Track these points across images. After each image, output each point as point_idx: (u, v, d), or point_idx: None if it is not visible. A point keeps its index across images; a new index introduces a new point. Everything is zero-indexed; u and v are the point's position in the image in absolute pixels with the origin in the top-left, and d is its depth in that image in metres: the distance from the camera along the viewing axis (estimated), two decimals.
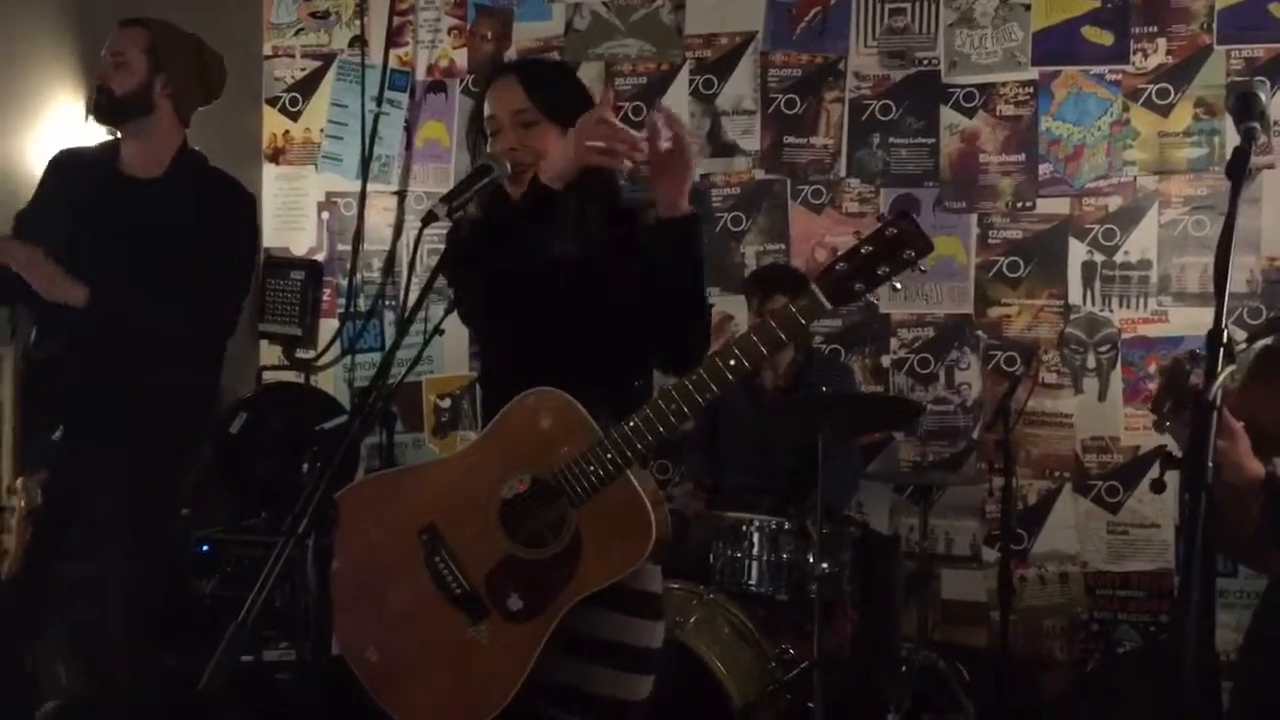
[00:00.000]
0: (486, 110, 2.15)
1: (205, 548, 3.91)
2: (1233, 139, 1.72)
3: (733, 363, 1.88)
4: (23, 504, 2.90)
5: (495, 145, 2.12)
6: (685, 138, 2.05)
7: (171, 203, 2.83)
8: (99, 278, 2.71)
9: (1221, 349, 1.55)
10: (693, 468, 4.20)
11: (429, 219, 1.95)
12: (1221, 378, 1.53)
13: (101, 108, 2.86)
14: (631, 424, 1.91)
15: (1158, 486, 2.13)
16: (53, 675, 3.35)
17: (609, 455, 1.91)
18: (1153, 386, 4.24)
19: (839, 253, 1.87)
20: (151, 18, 2.97)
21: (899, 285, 1.85)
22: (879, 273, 1.82)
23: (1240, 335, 3.99)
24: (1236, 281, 4.02)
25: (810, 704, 3.24)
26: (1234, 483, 1.83)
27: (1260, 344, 2.40)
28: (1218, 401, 1.52)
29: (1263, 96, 1.76)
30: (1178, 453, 2.37)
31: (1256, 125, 1.73)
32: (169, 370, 2.83)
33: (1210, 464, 1.49)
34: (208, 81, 3.00)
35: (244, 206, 3.00)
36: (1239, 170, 1.69)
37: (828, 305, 1.85)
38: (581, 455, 1.92)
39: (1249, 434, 1.99)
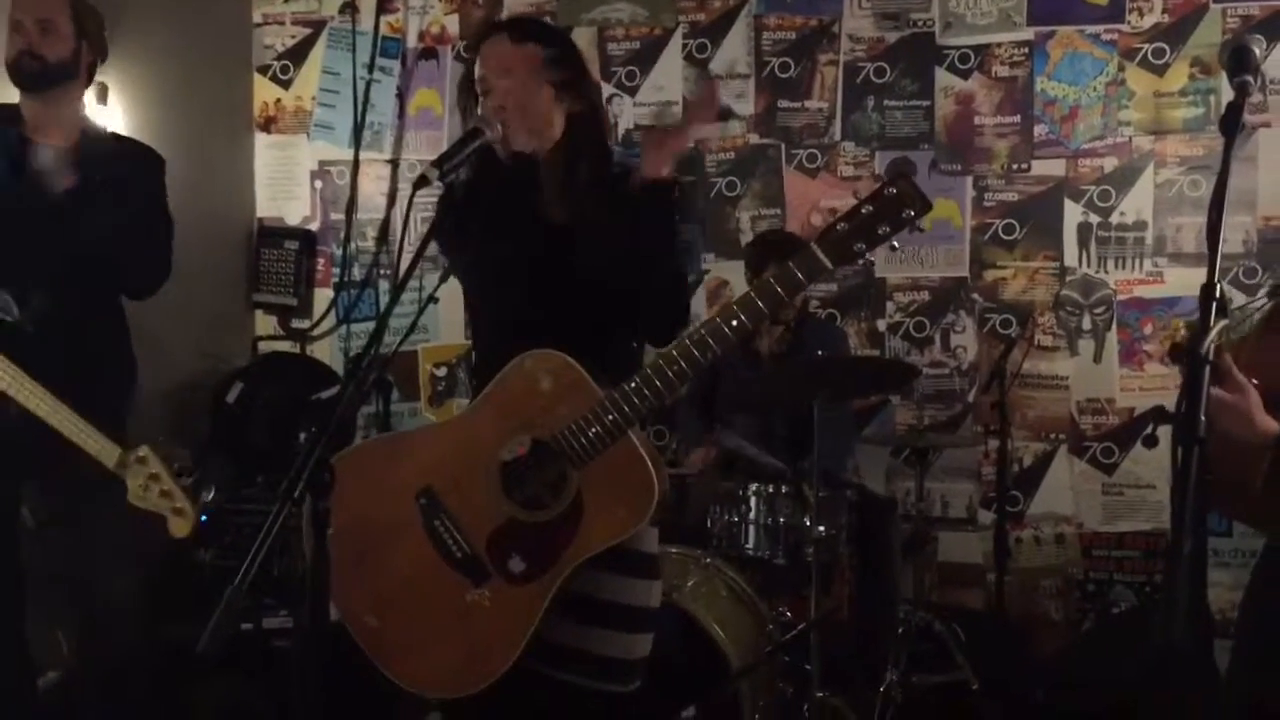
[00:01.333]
0: (477, 71, 2.14)
1: (203, 517, 3.91)
2: (1229, 98, 1.72)
3: (735, 322, 1.88)
4: None
5: (486, 105, 2.12)
6: (714, 116, 2.09)
7: (95, 164, 2.82)
8: (37, 243, 2.70)
9: (1214, 304, 1.56)
10: (687, 432, 4.21)
11: (421, 183, 1.95)
12: (1214, 332, 1.53)
13: (33, 73, 2.80)
14: (633, 384, 1.91)
15: (1150, 441, 2.13)
16: (53, 645, 3.37)
17: (610, 416, 1.91)
18: (1148, 349, 4.25)
19: (838, 213, 1.88)
20: None
21: (897, 245, 1.86)
22: (879, 232, 1.83)
23: (1236, 294, 4.00)
24: (1232, 241, 4.02)
25: (808, 665, 3.26)
26: (1244, 437, 1.83)
27: (1272, 300, 2.39)
28: (1210, 356, 1.52)
29: (1257, 51, 1.75)
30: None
31: (1250, 79, 1.72)
32: (106, 337, 2.87)
33: (1203, 418, 1.50)
34: (105, 43, 2.98)
35: (160, 161, 2.99)
36: (1232, 125, 1.67)
37: (829, 265, 1.85)
38: (582, 416, 1.92)
39: (1260, 391, 2.00)
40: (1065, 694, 3.71)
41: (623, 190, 2.17)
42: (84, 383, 2.64)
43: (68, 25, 2.82)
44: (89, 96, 3.92)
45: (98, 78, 3.99)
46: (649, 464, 1.92)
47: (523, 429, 1.97)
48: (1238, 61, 1.75)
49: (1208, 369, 1.52)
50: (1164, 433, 2.07)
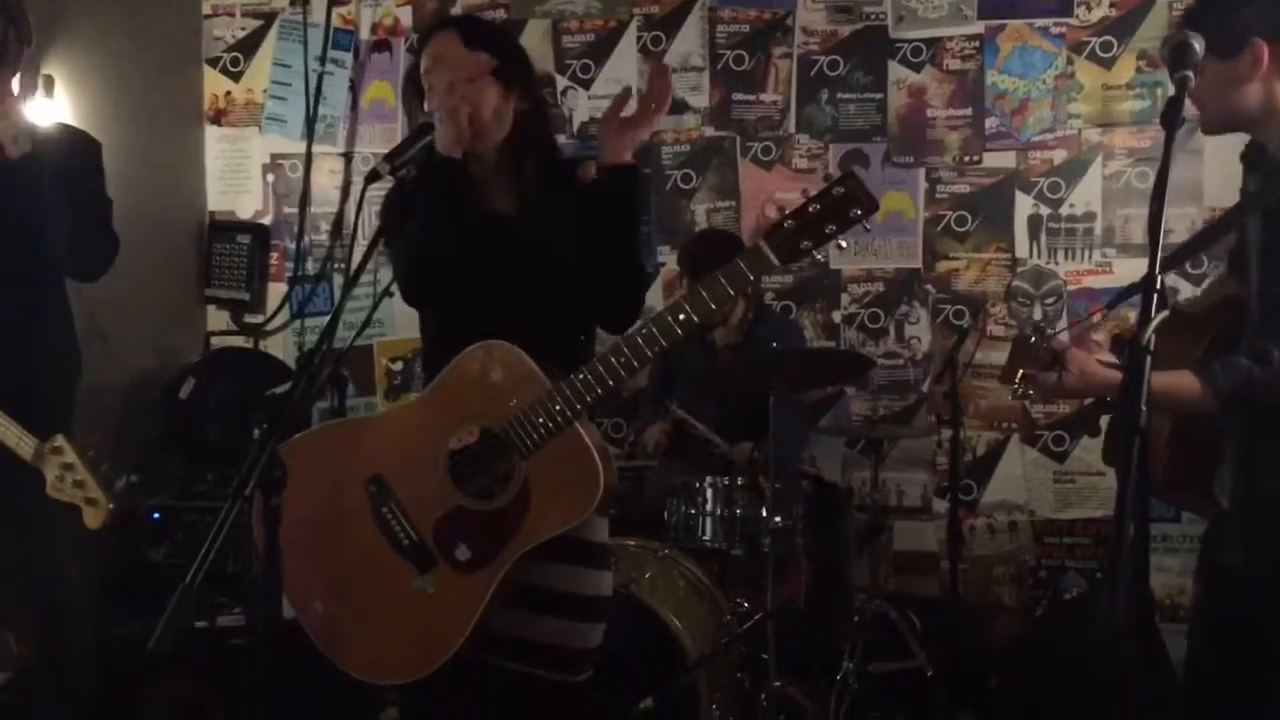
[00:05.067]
0: (424, 66, 2.14)
1: (156, 515, 3.88)
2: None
3: (682, 317, 1.90)
4: None
5: (433, 102, 2.11)
6: (665, 101, 2.10)
7: (34, 150, 2.78)
8: None
9: (1155, 295, 1.59)
10: (645, 420, 4.22)
11: (372, 177, 1.95)
12: (1154, 322, 1.56)
13: None
14: (581, 376, 1.92)
15: (1092, 431, 2.17)
16: (3, 646, 3.32)
17: (558, 407, 1.92)
18: (1098, 338, 4.30)
19: (786, 211, 1.89)
20: None
21: (844, 244, 1.88)
22: (826, 231, 1.85)
23: (1183, 285, 4.06)
24: (1178, 232, 4.08)
25: (765, 655, 3.28)
26: (1082, 389, 1.97)
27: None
28: (1151, 346, 1.55)
29: (1197, 46, 1.78)
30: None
31: (1190, 74, 1.76)
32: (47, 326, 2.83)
33: (1143, 407, 1.53)
34: (29, 28, 2.93)
35: (96, 145, 2.96)
36: (1173, 119, 1.71)
37: (776, 262, 1.87)
38: (530, 407, 1.94)
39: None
40: (1019, 679, 3.76)
41: (572, 183, 2.18)
42: (24, 372, 2.61)
43: None
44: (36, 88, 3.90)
45: (44, 70, 3.95)
46: (595, 455, 1.94)
47: (472, 418, 1.98)
48: (1178, 57, 1.78)
49: (1148, 359, 1.56)
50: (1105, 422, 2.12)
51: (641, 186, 2.18)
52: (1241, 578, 1.98)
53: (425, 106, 2.13)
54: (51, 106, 3.91)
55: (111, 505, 2.38)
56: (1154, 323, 1.57)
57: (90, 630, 2.92)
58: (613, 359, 1.92)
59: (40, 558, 2.80)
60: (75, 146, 2.91)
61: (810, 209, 1.85)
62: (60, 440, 2.40)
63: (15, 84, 2.84)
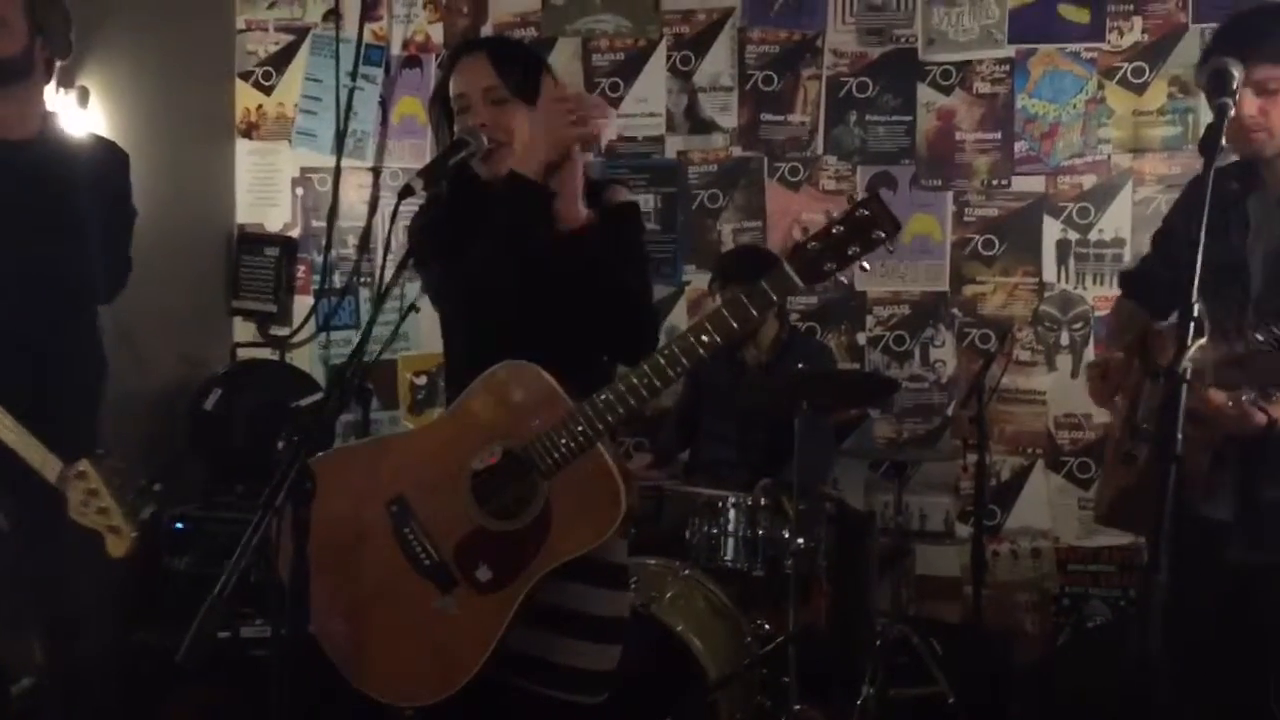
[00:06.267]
0: (454, 88, 2.14)
1: (179, 525, 3.90)
2: (1207, 118, 1.75)
3: (705, 338, 1.89)
4: None
5: (463, 123, 2.12)
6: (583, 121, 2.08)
7: (57, 161, 2.79)
8: None
9: (1192, 324, 1.58)
10: (663, 440, 4.21)
11: (406, 192, 1.95)
12: (1191, 350, 1.55)
13: None
14: (604, 397, 1.92)
15: (1128, 459, 2.15)
16: (26, 652, 3.33)
17: (580, 428, 1.91)
18: None
19: (810, 231, 1.89)
20: None
21: (867, 265, 1.87)
22: (849, 253, 1.84)
23: None
24: None
25: (785, 678, 3.26)
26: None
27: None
28: (1188, 375, 1.54)
29: (1236, 73, 1.77)
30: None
31: (1228, 101, 1.75)
32: (74, 340, 2.83)
33: (1179, 435, 1.52)
34: (69, 40, 2.95)
35: (124, 158, 2.97)
36: (1211, 146, 1.70)
37: (799, 283, 1.86)
38: (553, 428, 1.93)
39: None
40: (1041, 707, 3.72)
41: (600, 205, 2.17)
42: (50, 387, 2.61)
43: (20, 22, 2.77)
44: (71, 100, 3.94)
45: (79, 81, 3.99)
46: (617, 477, 1.93)
47: (494, 439, 1.98)
48: (1217, 84, 1.77)
49: (1184, 388, 1.54)
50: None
51: (639, 222, 2.18)
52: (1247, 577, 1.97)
53: (455, 128, 2.13)
54: (86, 117, 3.95)
55: (135, 534, 2.33)
56: (1190, 350, 1.56)
57: (110, 639, 2.93)
58: (635, 379, 1.91)
59: (60, 563, 2.81)
60: (105, 156, 2.93)
61: (833, 230, 1.84)
62: (85, 465, 2.35)
63: (50, 95, 2.86)
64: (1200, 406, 1.84)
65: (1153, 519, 1.48)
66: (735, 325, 1.88)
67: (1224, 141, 1.80)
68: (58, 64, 2.90)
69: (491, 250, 2.03)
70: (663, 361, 1.90)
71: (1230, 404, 1.86)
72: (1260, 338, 1.94)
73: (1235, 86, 1.75)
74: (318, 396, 4.11)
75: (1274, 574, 1.95)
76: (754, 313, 1.88)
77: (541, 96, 2.06)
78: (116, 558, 2.36)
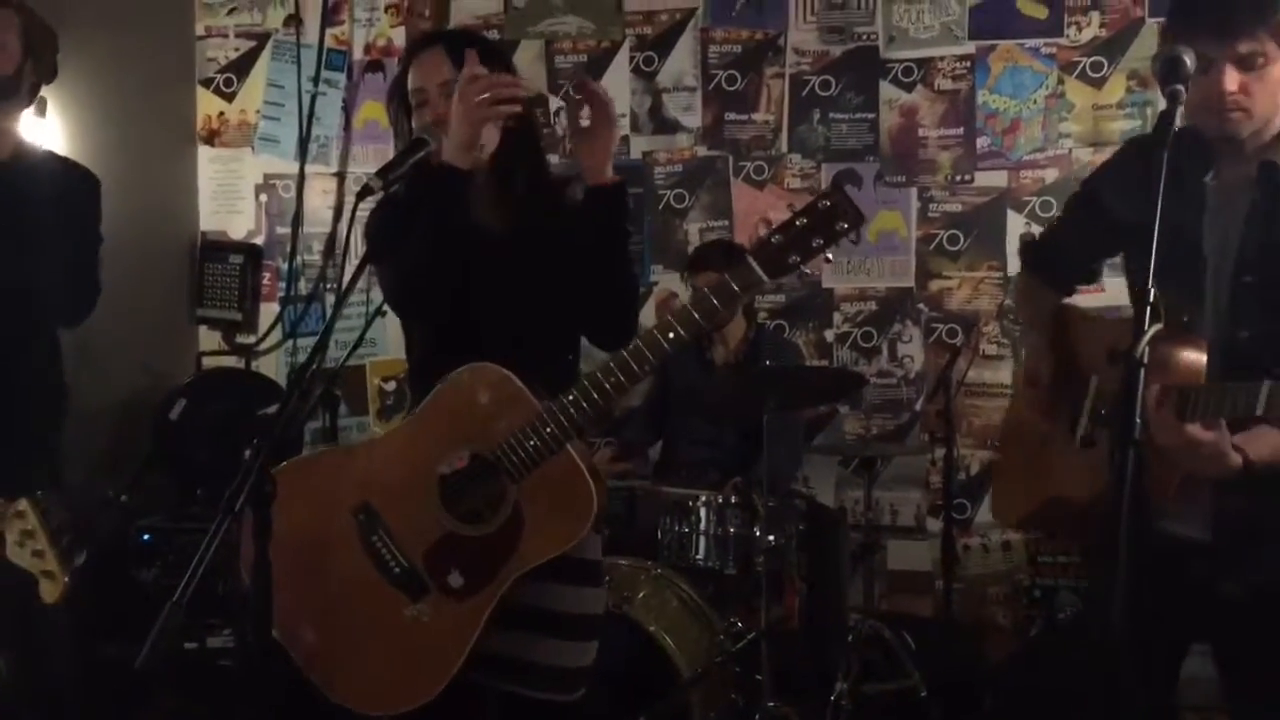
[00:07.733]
0: (412, 82, 2.13)
1: (146, 537, 3.85)
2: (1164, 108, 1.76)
3: (671, 335, 1.88)
4: None
5: (421, 117, 2.11)
6: (604, 103, 2.07)
7: (28, 183, 2.77)
8: None
9: (1149, 308, 1.59)
10: (631, 435, 4.20)
11: (364, 193, 1.93)
12: (1148, 335, 1.56)
13: None
14: (571, 397, 1.91)
15: (1085, 442, 2.15)
16: None
17: (548, 430, 1.90)
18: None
19: (773, 225, 1.88)
20: (16, 1, 2.88)
21: (831, 257, 1.87)
22: (813, 244, 1.84)
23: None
24: None
25: (758, 675, 3.26)
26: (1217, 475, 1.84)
27: None
28: (1145, 359, 1.55)
29: (1188, 61, 1.78)
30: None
31: (1181, 88, 1.75)
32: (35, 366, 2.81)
33: (1138, 420, 1.53)
34: (55, 65, 2.93)
35: (96, 184, 2.95)
36: (1164, 133, 1.71)
37: (764, 277, 1.86)
38: (520, 430, 1.92)
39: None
40: (1013, 700, 3.74)
41: (561, 199, 2.17)
42: (9, 414, 2.57)
43: (15, 43, 2.77)
44: (29, 110, 3.89)
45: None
46: (588, 477, 1.92)
47: (461, 443, 1.96)
48: (1170, 71, 1.78)
49: (1142, 372, 1.56)
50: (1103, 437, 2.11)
51: (629, 203, 2.16)
52: (1245, 609, 1.93)
53: (414, 122, 2.12)
54: (44, 126, 3.90)
55: (67, 581, 2.27)
56: (1148, 335, 1.57)
57: (75, 652, 2.89)
58: (602, 378, 1.90)
59: (15, 577, 2.77)
60: (75, 181, 2.90)
61: (797, 223, 1.84)
62: (24, 505, 2.25)
63: (23, 115, 2.83)
64: (1173, 439, 1.78)
65: (1112, 509, 1.48)
66: (701, 321, 1.88)
67: (1187, 121, 1.81)
68: (42, 86, 2.89)
69: (421, 246, 2.01)
70: (629, 359, 1.89)
71: (1210, 437, 1.78)
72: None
73: (1188, 74, 1.76)
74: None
75: (1249, 597, 1.91)
76: (719, 307, 1.87)
77: (458, 84, 2.00)
78: (49, 604, 2.30)
